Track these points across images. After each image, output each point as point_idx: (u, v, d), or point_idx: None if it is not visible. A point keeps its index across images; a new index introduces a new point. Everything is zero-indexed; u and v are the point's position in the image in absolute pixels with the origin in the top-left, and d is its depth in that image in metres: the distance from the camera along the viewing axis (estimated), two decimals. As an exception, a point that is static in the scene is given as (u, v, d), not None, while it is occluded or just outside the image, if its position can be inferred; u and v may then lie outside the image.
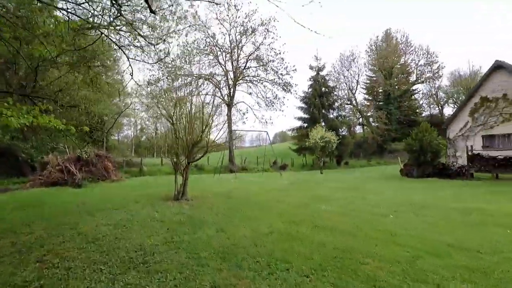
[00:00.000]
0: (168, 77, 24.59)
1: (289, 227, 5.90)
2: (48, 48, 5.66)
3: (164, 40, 8.67)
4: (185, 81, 25.69)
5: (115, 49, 10.10)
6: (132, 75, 8.88)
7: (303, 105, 35.58)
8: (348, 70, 41.32)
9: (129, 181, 15.77)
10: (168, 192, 10.94)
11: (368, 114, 40.59)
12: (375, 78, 41.30)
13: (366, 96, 43.58)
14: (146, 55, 10.11)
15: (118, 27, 7.84)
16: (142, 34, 8.97)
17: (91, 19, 7.42)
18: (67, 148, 14.34)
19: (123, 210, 7.94)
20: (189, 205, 8.47)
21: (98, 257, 4.19)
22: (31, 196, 10.39)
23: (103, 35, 7.56)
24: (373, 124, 39.58)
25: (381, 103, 40.61)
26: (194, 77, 25.03)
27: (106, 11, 7.56)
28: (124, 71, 23.41)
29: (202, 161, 28.98)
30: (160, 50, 9.91)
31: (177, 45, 21.83)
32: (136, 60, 8.89)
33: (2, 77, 6.29)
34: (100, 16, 7.45)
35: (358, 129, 42.63)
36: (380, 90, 41.53)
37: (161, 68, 24.42)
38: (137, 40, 9.58)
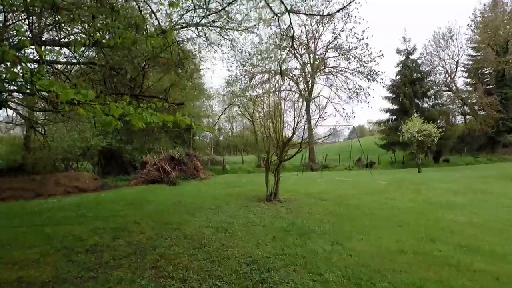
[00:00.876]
0: (246, 76, 24.90)
1: (422, 244, 4.69)
2: (152, 49, 5.73)
3: (248, 30, 8.28)
4: (262, 79, 25.75)
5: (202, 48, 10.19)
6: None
7: (390, 94, 31.88)
8: (444, 51, 35.40)
9: (215, 179, 16.20)
10: (256, 191, 10.62)
11: (473, 101, 34.05)
12: (480, 57, 34.35)
13: (468, 80, 36.74)
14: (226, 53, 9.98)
15: (208, 25, 7.63)
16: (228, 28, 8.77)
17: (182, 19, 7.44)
18: (161, 149, 15.46)
19: (219, 210, 7.80)
20: (285, 208, 7.85)
21: (211, 268, 3.81)
22: (135, 193, 11.29)
23: (195, 33, 7.44)
24: (480, 112, 33.07)
25: (491, 86, 33.60)
26: (271, 73, 24.78)
27: (197, 8, 7.49)
28: (202, 73, 24.32)
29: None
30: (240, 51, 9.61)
31: (252, 43, 21.70)
32: (224, 54, 8.70)
33: (111, 81, 6.69)
34: (191, 14, 7.41)
35: (459, 120, 36.29)
36: (489, 71, 34.39)
37: (239, 67, 24.86)
38: (224, 36, 9.48)
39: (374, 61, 24.71)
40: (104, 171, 16.49)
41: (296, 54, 26.26)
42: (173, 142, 17.83)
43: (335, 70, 26.19)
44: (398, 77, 31.67)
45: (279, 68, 21.10)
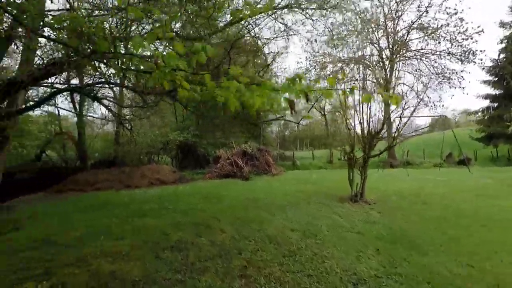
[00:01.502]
0: (316, 67, 23.64)
1: None
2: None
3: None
4: (335, 69, 24.13)
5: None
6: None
7: (490, 77, 26.70)
8: None
9: (286, 175, 15.63)
10: (335, 189, 9.70)
11: None
12: None
13: None
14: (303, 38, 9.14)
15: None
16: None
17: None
18: (233, 144, 15.54)
19: (298, 208, 7.19)
20: (376, 211, 6.83)
21: (309, 285, 3.18)
22: (210, 187, 11.40)
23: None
24: None
25: None
26: (345, 63, 23.03)
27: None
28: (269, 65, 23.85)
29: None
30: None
31: (323, 31, 20.28)
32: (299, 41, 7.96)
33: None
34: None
35: None
36: None
37: (309, 58, 23.71)
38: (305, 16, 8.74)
39: (471, 38, 20.83)
40: (181, 165, 17.41)
41: (373, 39, 23.88)
42: (244, 137, 17.86)
43: (419, 54, 22.99)
44: (502, 55, 26.33)
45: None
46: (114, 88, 14.86)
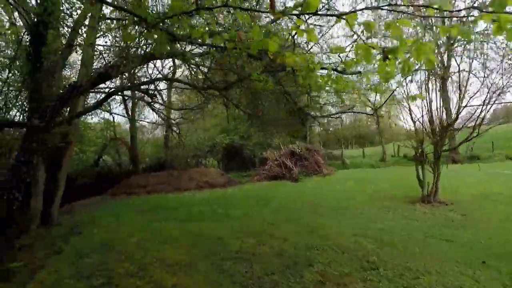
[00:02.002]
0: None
1: None
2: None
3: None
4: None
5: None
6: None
7: None
8: None
9: (337, 174, 14.68)
10: (398, 189, 8.72)
11: None
12: None
13: None
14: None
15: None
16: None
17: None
18: (280, 144, 15.04)
19: (360, 212, 6.47)
20: (458, 213, 5.84)
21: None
22: (260, 189, 11.02)
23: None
24: None
25: None
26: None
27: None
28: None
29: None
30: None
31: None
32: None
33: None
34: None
35: None
36: None
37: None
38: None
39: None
40: (227, 167, 17.36)
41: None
42: (291, 136, 17.28)
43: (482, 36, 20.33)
44: None
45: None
46: (162, 93, 15.29)
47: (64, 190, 6.39)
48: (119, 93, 11.38)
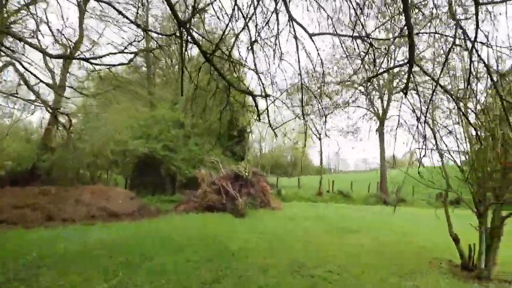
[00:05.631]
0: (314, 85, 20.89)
1: None
2: None
3: None
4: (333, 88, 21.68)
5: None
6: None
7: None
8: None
9: (286, 208, 11.66)
10: (402, 245, 6.19)
11: None
12: None
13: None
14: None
15: None
16: None
17: None
18: (219, 163, 11.36)
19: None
20: None
21: None
22: (194, 228, 7.12)
23: None
24: None
25: None
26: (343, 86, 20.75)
27: None
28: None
29: (347, 186, 23.49)
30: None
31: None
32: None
33: None
34: None
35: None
36: None
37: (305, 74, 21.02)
38: None
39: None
40: (138, 187, 12.48)
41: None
42: (231, 154, 13.86)
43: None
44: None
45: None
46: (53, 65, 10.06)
47: None
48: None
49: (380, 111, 21.44)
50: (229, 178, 10.36)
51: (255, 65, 3.28)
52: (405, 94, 2.63)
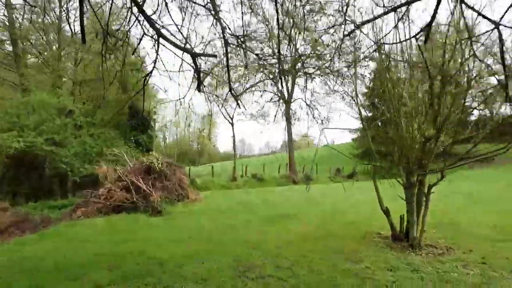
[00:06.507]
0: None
1: None
2: None
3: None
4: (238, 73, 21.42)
5: None
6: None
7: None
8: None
9: (209, 201, 10.86)
10: (331, 223, 6.40)
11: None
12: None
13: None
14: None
15: None
16: None
17: None
18: (125, 155, 9.70)
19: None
20: (478, 268, 3.86)
21: None
22: (102, 241, 5.79)
23: None
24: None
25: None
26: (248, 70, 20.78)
27: None
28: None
29: (259, 169, 24.03)
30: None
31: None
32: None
33: None
34: None
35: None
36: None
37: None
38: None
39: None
40: (13, 194, 9.62)
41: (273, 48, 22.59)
42: (136, 145, 12.07)
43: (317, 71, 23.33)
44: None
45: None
46: None
47: None
48: None
49: (286, 95, 22.60)
50: (139, 171, 8.99)
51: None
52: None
